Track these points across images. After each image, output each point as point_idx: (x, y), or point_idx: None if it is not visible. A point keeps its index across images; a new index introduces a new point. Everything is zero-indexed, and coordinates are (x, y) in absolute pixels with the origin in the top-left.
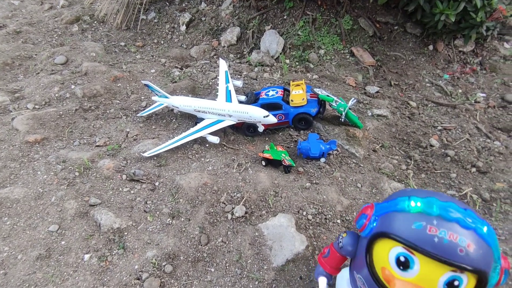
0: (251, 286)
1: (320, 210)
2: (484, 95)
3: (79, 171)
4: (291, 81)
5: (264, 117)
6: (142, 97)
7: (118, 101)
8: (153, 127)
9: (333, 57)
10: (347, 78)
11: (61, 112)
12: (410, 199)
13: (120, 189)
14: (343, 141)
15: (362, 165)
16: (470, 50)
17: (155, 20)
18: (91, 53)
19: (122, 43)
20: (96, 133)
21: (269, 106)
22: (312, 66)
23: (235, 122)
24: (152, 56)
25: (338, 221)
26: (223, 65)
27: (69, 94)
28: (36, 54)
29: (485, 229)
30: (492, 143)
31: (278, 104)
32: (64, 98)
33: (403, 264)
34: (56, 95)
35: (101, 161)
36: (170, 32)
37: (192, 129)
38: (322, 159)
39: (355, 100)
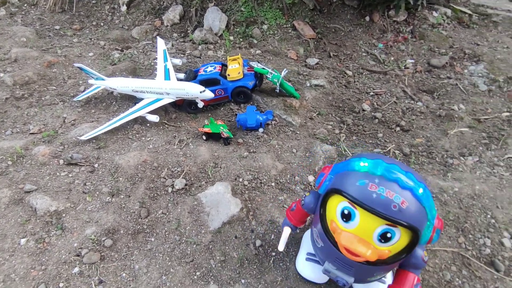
0: (189, 249)
1: (255, 176)
2: (412, 61)
3: (12, 160)
4: (228, 56)
5: (200, 92)
6: (80, 82)
7: (54, 87)
8: (93, 111)
9: (276, 31)
10: (289, 52)
11: None
12: (360, 159)
13: (58, 174)
14: (281, 111)
15: (298, 132)
16: (403, 20)
17: (93, 1)
18: (21, 38)
19: (57, 27)
20: (30, 121)
21: (208, 82)
22: (255, 41)
23: (174, 100)
24: (91, 39)
25: (273, 184)
26: (161, 44)
27: None
28: None
29: (420, 190)
30: (415, 104)
31: (216, 79)
32: None
33: (346, 217)
34: None
35: (36, 148)
36: (110, 14)
37: (130, 109)
38: (260, 129)
39: (287, 71)
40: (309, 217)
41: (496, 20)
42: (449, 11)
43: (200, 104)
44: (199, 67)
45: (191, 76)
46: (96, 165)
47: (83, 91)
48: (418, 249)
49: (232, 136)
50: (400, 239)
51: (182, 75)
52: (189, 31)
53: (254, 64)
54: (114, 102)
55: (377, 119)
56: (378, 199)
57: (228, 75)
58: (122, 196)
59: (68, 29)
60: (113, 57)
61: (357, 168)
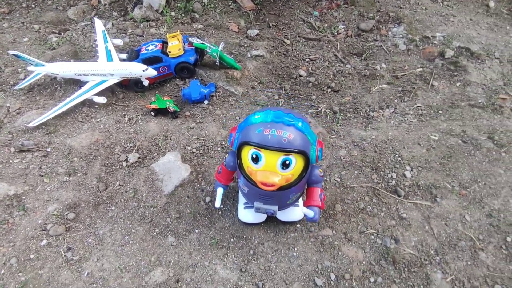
0: (147, 212)
1: (202, 143)
2: (344, 26)
3: None
4: (167, 34)
5: (143, 71)
6: (19, 69)
7: None
8: (37, 98)
9: (216, 5)
10: (230, 25)
11: None
12: (255, 114)
13: (10, 161)
14: (224, 83)
15: (241, 101)
16: None
17: None
18: None
19: None
20: None
21: (150, 60)
22: (197, 16)
23: (118, 80)
24: (23, 23)
25: (219, 149)
26: (99, 25)
27: None
28: None
29: (299, 124)
30: (344, 67)
31: (158, 57)
32: None
33: (255, 160)
34: None
35: None
36: None
37: (76, 93)
38: (205, 101)
39: (224, 44)
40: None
41: None
42: None
43: (146, 82)
44: (140, 46)
45: (134, 55)
46: (49, 149)
47: (24, 78)
48: (314, 168)
49: (179, 110)
50: (297, 163)
51: (124, 55)
52: (129, 9)
53: (193, 39)
54: (59, 88)
55: (311, 83)
56: (272, 138)
57: (169, 52)
58: (79, 175)
59: None
60: (50, 42)
61: (253, 121)
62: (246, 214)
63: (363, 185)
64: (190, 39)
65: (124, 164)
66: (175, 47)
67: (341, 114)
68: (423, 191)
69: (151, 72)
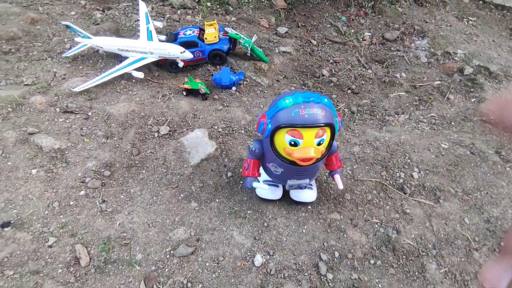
0: (174, 179)
1: (228, 125)
2: (370, 33)
3: (12, 107)
4: (205, 21)
5: (181, 53)
6: (66, 39)
7: (40, 44)
8: (80, 67)
9: (251, 0)
10: (261, 20)
11: None
12: (284, 99)
13: (56, 120)
14: (251, 73)
15: (266, 91)
16: None
17: None
18: None
19: None
20: (22, 74)
21: (187, 44)
22: (231, 9)
23: (156, 59)
24: None
25: (242, 131)
26: (143, 6)
27: None
28: None
29: (325, 100)
30: (366, 71)
31: (194, 42)
32: None
33: (294, 145)
34: None
35: (32, 97)
36: None
37: (117, 66)
38: (233, 88)
39: (257, 37)
40: None
41: (446, 0)
42: None
43: (181, 64)
44: (178, 30)
45: (172, 38)
46: (89, 113)
47: (69, 48)
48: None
49: (209, 92)
50: (327, 136)
51: (163, 37)
52: None
53: (228, 29)
54: (101, 60)
55: (332, 83)
56: (309, 117)
57: (206, 38)
58: (115, 139)
59: None
60: (95, 17)
61: (285, 105)
62: (264, 191)
63: (372, 179)
64: (226, 28)
65: (156, 134)
66: (211, 34)
67: (358, 115)
68: (427, 192)
69: (188, 54)
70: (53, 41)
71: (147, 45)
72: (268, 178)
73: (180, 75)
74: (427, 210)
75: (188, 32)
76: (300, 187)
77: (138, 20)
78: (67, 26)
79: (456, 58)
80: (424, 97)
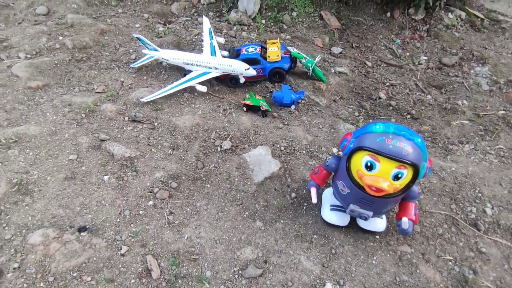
0: (238, 195)
1: (290, 144)
2: (426, 58)
3: (85, 113)
4: (267, 39)
5: (245, 69)
6: (131, 50)
7: (108, 53)
8: (145, 77)
9: (304, 19)
10: (315, 40)
11: (56, 62)
12: (376, 124)
13: (124, 128)
14: (310, 92)
15: (324, 111)
16: (421, 19)
17: None
18: (72, 4)
19: None
20: (93, 82)
21: (249, 61)
22: (285, 27)
23: (220, 74)
24: (135, 11)
25: (304, 151)
26: (206, 22)
27: (58, 45)
28: (13, 3)
29: (419, 140)
30: (425, 97)
31: (256, 59)
32: (54, 49)
33: (369, 167)
34: (46, 45)
35: (103, 105)
36: None
37: (182, 79)
38: (293, 106)
39: (320, 58)
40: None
41: (505, 27)
42: (463, 14)
43: (242, 80)
44: (240, 47)
45: (234, 54)
46: (155, 124)
47: (134, 59)
48: (416, 184)
49: (270, 110)
50: (407, 176)
51: (226, 53)
52: (223, 11)
53: (291, 49)
54: (164, 71)
55: (391, 107)
56: (393, 148)
57: (268, 56)
58: (181, 150)
59: None
60: (157, 30)
61: (374, 130)
62: (331, 215)
63: (442, 212)
64: (289, 47)
65: (219, 149)
66: (274, 53)
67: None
68: (503, 231)
69: (251, 71)
70: (119, 51)
71: (212, 60)
72: (335, 202)
73: (238, 91)
74: (504, 251)
75: (251, 49)
76: (360, 216)
77: (198, 34)
78: (138, 39)
79: None
80: (490, 127)
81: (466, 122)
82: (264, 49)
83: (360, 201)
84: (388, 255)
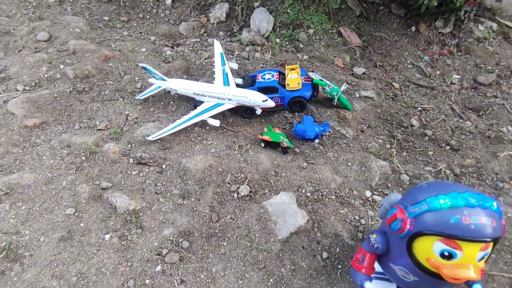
0: (260, 256)
1: (316, 188)
2: (459, 76)
3: (86, 156)
4: (286, 64)
5: (263, 101)
6: (136, 78)
7: (112, 82)
8: (152, 109)
9: (321, 37)
10: (335, 59)
11: (55, 95)
12: (438, 198)
13: (129, 172)
14: (335, 123)
15: (351, 145)
16: (449, 32)
17: None
18: (75, 29)
19: (106, 18)
20: (95, 116)
21: (266, 90)
22: (301, 46)
23: (234, 106)
24: (141, 33)
25: (333, 197)
26: (218, 46)
27: (59, 74)
28: (14, 29)
29: (495, 204)
30: (464, 123)
31: (274, 88)
32: (54, 79)
33: (448, 257)
34: (46, 75)
35: (106, 145)
36: (155, 6)
37: (192, 113)
38: (316, 140)
39: (347, 86)
40: None
41: None
42: (495, 25)
43: (259, 111)
44: (256, 73)
45: (249, 82)
46: (164, 166)
47: (140, 88)
48: None
49: (292, 146)
50: (489, 251)
51: (240, 80)
52: (234, 30)
53: (313, 75)
54: (172, 102)
55: (427, 136)
56: (476, 228)
57: (288, 84)
58: (192, 199)
59: (117, 21)
60: (165, 54)
61: (439, 206)
62: (376, 286)
63: (505, 274)
64: (310, 74)
65: (235, 195)
66: (295, 80)
67: (463, 178)
68: None
69: (270, 103)
70: (124, 80)
71: (225, 91)
72: (379, 269)
73: (254, 122)
74: None
75: (267, 76)
76: None
77: (208, 58)
78: (144, 68)
79: None
80: None
81: None
82: (282, 75)
83: (435, 287)
84: None
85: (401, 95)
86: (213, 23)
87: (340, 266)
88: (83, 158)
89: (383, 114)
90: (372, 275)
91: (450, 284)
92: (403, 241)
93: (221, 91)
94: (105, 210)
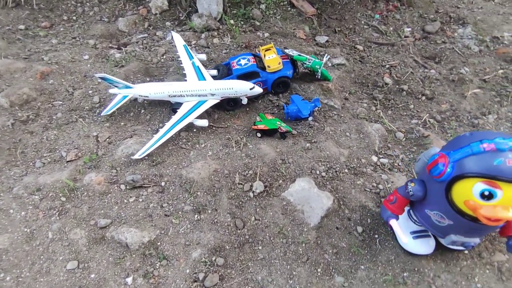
0: (300, 249)
1: (328, 166)
2: (409, 29)
3: (65, 196)
4: (259, 46)
5: (250, 89)
6: (90, 92)
7: (61, 102)
8: (122, 123)
9: (275, 11)
10: (296, 31)
11: None
12: (482, 142)
13: (125, 201)
14: (321, 96)
15: (342, 115)
16: None
17: None
18: None
19: (21, 26)
20: (56, 147)
21: (246, 76)
22: (258, 23)
23: (218, 101)
24: (74, 38)
25: (346, 170)
26: (178, 39)
27: None
28: None
29: None
30: (429, 72)
31: (255, 72)
32: None
33: (488, 197)
34: None
35: (86, 177)
36: (78, 4)
37: (175, 117)
38: (310, 118)
39: (328, 57)
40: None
41: None
42: None
43: (245, 101)
44: (228, 60)
45: (225, 71)
46: (163, 184)
47: (99, 102)
48: None
49: (291, 130)
50: None
51: (214, 72)
52: (182, 18)
53: (290, 51)
54: (143, 110)
55: (404, 91)
56: None
57: (268, 66)
58: (209, 211)
59: (37, 28)
60: (114, 58)
61: (482, 150)
62: (416, 245)
63: None
64: (287, 51)
65: (251, 194)
66: (274, 61)
67: (445, 123)
68: None
69: (258, 89)
70: (75, 96)
71: (206, 86)
72: (416, 228)
73: (239, 113)
74: None
75: (243, 62)
76: (464, 245)
77: (165, 53)
78: (103, 79)
79: (505, 42)
80: (502, 91)
81: (478, 90)
82: (257, 57)
83: (468, 232)
84: (487, 271)
85: (367, 56)
86: (156, 14)
87: (376, 236)
88: (63, 199)
89: (357, 78)
90: (405, 229)
91: (484, 228)
92: (442, 185)
93: (201, 87)
94: (115, 252)
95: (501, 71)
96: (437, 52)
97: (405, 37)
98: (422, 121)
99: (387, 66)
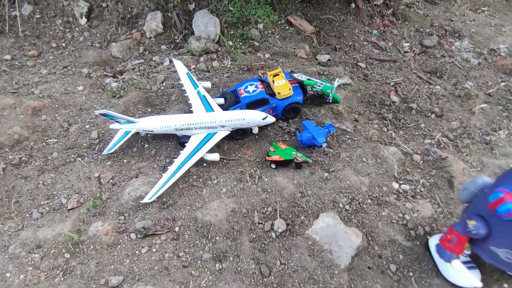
0: None
1: (351, 197)
2: (408, 44)
3: (69, 251)
4: (266, 71)
5: (263, 119)
6: (87, 126)
7: (55, 140)
8: (125, 161)
9: (273, 30)
10: (296, 51)
11: None
12: None
13: (137, 252)
14: (333, 120)
15: (355, 138)
16: (382, 3)
17: (37, 16)
18: None
19: (7, 56)
20: (54, 193)
21: (255, 104)
22: (257, 43)
23: (229, 132)
24: (65, 67)
25: (369, 201)
26: (180, 66)
27: None
28: None
29: None
30: (434, 88)
31: (264, 100)
32: None
33: None
34: None
35: (91, 227)
36: (67, 29)
37: (184, 153)
38: (324, 144)
39: (340, 80)
40: None
41: None
42: None
43: (256, 130)
44: (235, 87)
45: (232, 100)
46: (177, 229)
47: (98, 138)
48: None
49: (308, 160)
50: None
51: (221, 100)
52: (178, 41)
53: (298, 76)
54: (147, 144)
55: (413, 110)
56: None
57: (279, 93)
58: (231, 259)
59: (24, 57)
60: (110, 88)
61: None
62: (467, 279)
63: None
64: (296, 75)
65: (273, 235)
66: (284, 87)
67: (458, 142)
68: None
69: (270, 119)
70: (71, 132)
71: (215, 118)
72: (465, 259)
73: (248, 142)
74: None
75: (251, 89)
76: None
77: (164, 80)
78: (104, 115)
79: (502, 54)
80: (508, 106)
81: (485, 105)
82: (265, 83)
83: None
84: None
85: (371, 74)
86: (150, 37)
87: (411, 274)
88: (67, 256)
89: (364, 97)
90: (465, 264)
91: None
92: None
93: (211, 119)
94: None
95: (502, 83)
96: (437, 66)
97: (405, 52)
98: (436, 140)
99: (392, 83)
